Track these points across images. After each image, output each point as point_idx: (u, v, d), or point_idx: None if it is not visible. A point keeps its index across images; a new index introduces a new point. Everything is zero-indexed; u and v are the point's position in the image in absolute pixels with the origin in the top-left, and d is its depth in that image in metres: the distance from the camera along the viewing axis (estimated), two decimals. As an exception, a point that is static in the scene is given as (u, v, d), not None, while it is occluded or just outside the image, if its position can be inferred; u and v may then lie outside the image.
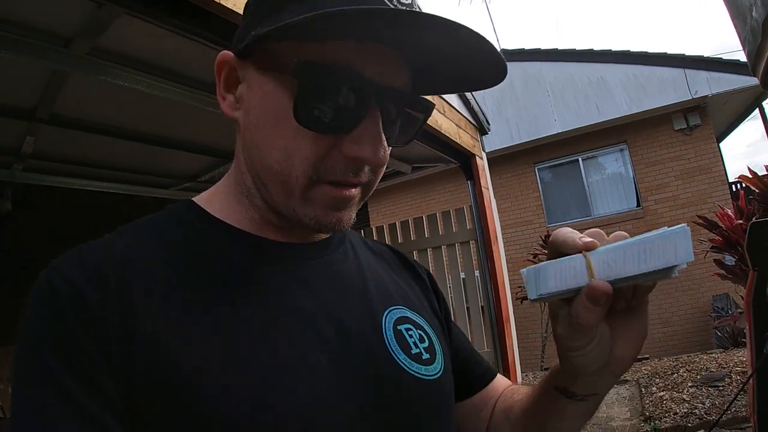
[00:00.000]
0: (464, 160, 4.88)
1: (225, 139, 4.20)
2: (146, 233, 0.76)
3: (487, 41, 0.65)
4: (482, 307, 4.93)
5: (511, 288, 5.18)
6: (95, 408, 0.59)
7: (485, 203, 4.86)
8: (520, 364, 5.11)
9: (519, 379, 5.05)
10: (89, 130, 3.48)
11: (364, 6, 0.60)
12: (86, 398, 0.59)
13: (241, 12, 1.98)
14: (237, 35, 0.78)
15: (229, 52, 0.76)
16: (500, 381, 1.08)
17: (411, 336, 0.85)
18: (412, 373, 0.79)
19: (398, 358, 0.79)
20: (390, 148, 0.76)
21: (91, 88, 2.98)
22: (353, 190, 0.75)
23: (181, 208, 0.82)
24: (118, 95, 3.02)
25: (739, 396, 5.56)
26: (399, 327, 0.84)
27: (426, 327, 0.90)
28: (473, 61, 0.70)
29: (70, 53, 2.42)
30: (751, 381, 2.43)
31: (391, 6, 0.66)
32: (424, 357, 0.83)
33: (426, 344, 0.86)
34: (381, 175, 0.80)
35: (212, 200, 0.84)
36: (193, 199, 0.85)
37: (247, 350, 0.66)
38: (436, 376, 0.83)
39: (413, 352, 0.82)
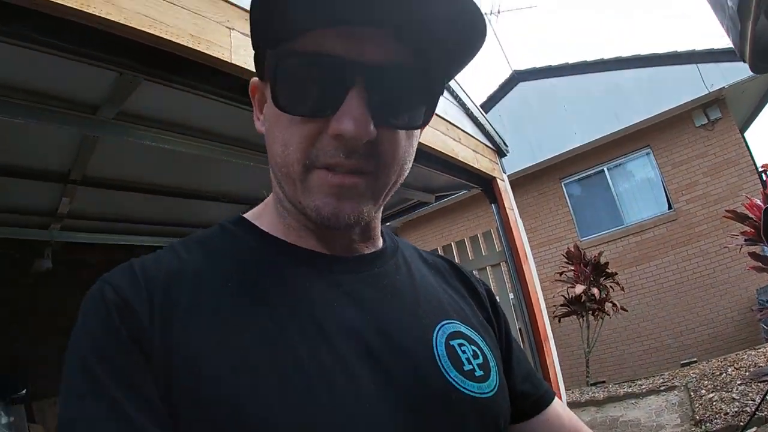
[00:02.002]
0: (485, 184, 4.92)
1: (249, 187, 4.33)
2: (197, 248, 0.79)
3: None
4: (519, 329, 4.89)
5: (549, 307, 5.15)
6: (142, 419, 0.60)
7: (511, 224, 4.87)
8: (564, 381, 5.06)
9: (564, 397, 5.00)
10: (120, 188, 3.66)
11: None
12: (133, 410, 0.60)
13: (250, 68, 2.10)
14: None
15: (255, 78, 0.84)
16: (559, 405, 1.03)
17: (464, 352, 0.82)
18: (462, 390, 0.77)
19: (449, 375, 0.77)
20: (405, 133, 0.77)
21: (120, 150, 3.15)
22: (354, 177, 0.73)
23: (232, 224, 0.86)
24: (145, 154, 3.18)
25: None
26: (452, 342, 0.82)
27: (480, 343, 0.87)
28: (450, 22, 0.70)
29: (97, 119, 2.57)
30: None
31: None
32: (477, 374, 0.81)
33: (480, 360, 0.83)
34: (394, 163, 0.77)
35: (261, 214, 0.87)
36: (244, 215, 0.88)
37: (293, 367, 0.66)
38: (489, 394, 0.80)
39: (466, 368, 0.80)
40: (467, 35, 0.73)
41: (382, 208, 0.88)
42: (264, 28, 0.73)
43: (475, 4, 0.67)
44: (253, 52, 0.80)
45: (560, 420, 1.00)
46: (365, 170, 0.73)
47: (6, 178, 3.23)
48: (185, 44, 1.91)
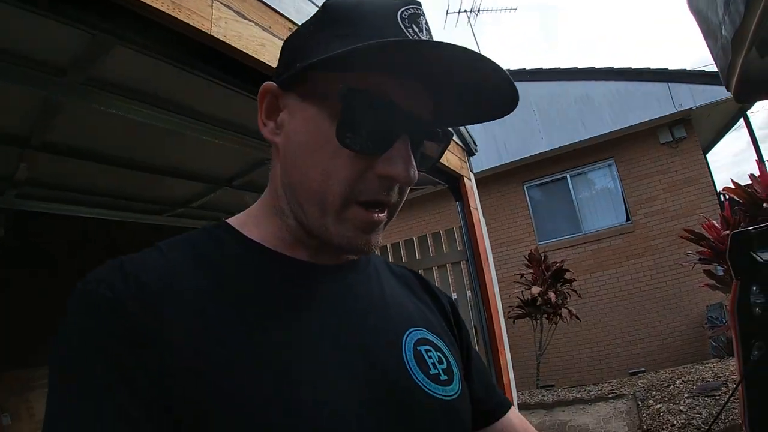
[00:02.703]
0: (452, 182, 4.91)
1: (216, 166, 4.26)
2: (182, 251, 0.79)
3: (502, 70, 0.71)
4: (475, 327, 4.93)
5: (503, 307, 5.19)
6: (144, 422, 0.61)
7: (475, 223, 4.88)
8: (516, 382, 5.11)
9: (515, 399, 5.04)
10: (82, 157, 3.52)
11: (402, 39, 0.72)
12: (137, 411, 0.61)
13: (230, 43, 2.04)
14: (279, 68, 0.85)
15: (272, 83, 0.82)
16: (514, 414, 1.09)
17: (430, 357, 0.87)
18: (429, 392, 0.82)
19: (417, 378, 0.82)
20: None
21: (85, 116, 3.03)
22: (382, 214, 0.80)
23: (216, 229, 0.86)
24: (111, 123, 3.07)
25: (735, 405, 5.59)
26: (419, 348, 0.87)
27: (444, 350, 0.92)
28: (488, 90, 0.77)
29: (64, 82, 2.46)
30: (740, 388, 2.46)
31: (421, 38, 0.75)
32: (442, 378, 0.86)
33: (444, 366, 0.88)
34: (405, 197, 0.85)
35: (247, 222, 0.88)
36: (228, 220, 0.88)
37: (276, 367, 0.69)
38: (453, 397, 0.85)
39: (431, 372, 0.85)
40: (495, 109, 0.83)
41: None
42: (327, 47, 0.74)
43: (514, 89, 0.75)
44: (297, 65, 0.78)
45: (514, 429, 1.06)
46: (392, 202, 0.81)
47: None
48: (165, 10, 1.81)
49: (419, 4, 0.78)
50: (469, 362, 1.06)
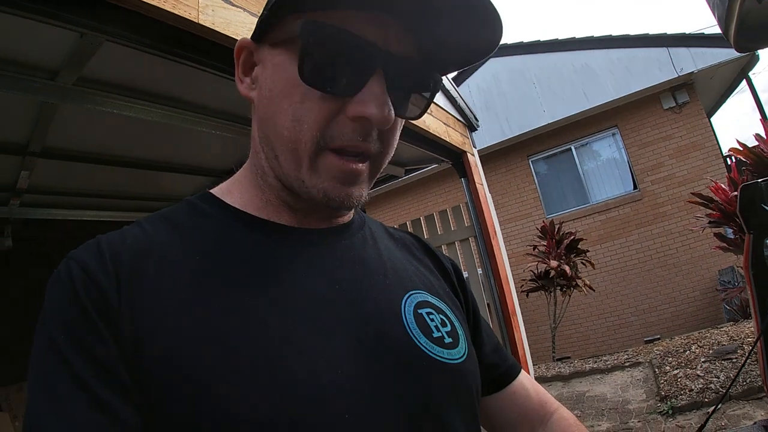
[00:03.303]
0: (456, 158, 4.88)
1: (218, 158, 4.24)
2: (163, 224, 0.78)
3: None
4: (488, 304, 4.93)
5: (515, 281, 5.18)
6: (107, 394, 0.60)
7: (481, 199, 4.86)
8: (531, 356, 5.11)
9: (531, 372, 5.05)
10: (83, 160, 3.50)
11: None
12: (98, 383, 0.60)
13: (219, 30, 2.02)
14: (257, 24, 0.82)
15: (247, 38, 0.82)
16: (525, 377, 1.08)
17: (432, 320, 0.84)
18: (433, 356, 0.79)
19: (419, 341, 0.79)
20: (402, 121, 0.81)
21: (81, 118, 3.00)
22: (360, 165, 0.76)
23: (198, 200, 0.84)
24: (108, 123, 3.05)
25: (752, 367, 5.58)
26: (419, 311, 0.84)
27: (448, 312, 0.89)
28: (472, 20, 0.73)
29: (56, 85, 2.43)
30: (759, 345, 2.44)
31: None
32: (446, 341, 0.83)
33: (448, 329, 0.85)
34: (392, 148, 0.82)
35: (230, 190, 0.87)
36: (211, 190, 0.87)
37: (264, 338, 0.67)
38: (459, 360, 0.82)
39: (435, 335, 0.82)
40: (479, 45, 0.79)
41: None
42: None
43: (499, 21, 0.72)
44: (265, 12, 0.76)
45: (527, 392, 1.05)
46: (370, 155, 0.77)
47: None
48: (150, 2, 1.79)
49: None
50: (477, 326, 1.04)
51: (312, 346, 0.69)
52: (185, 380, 0.61)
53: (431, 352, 0.79)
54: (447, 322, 0.87)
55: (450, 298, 0.96)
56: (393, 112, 0.73)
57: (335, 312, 0.74)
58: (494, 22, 0.73)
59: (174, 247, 0.73)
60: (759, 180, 2.62)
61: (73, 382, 0.60)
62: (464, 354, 0.84)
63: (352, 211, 0.95)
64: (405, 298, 0.84)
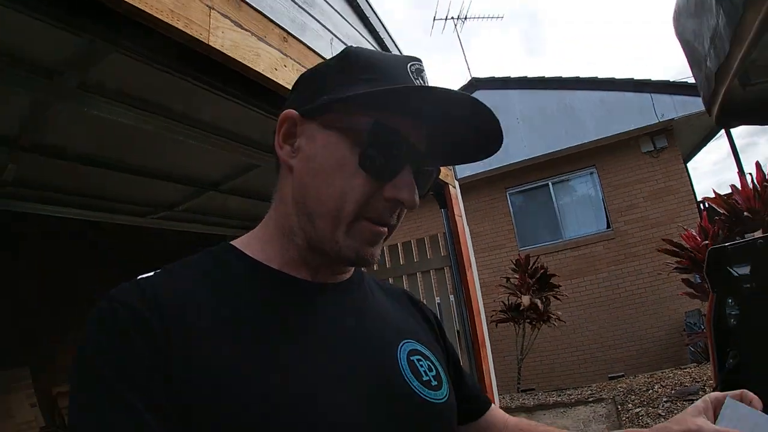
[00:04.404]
0: (437, 189, 4.98)
1: (203, 170, 4.27)
2: (191, 272, 0.86)
3: (492, 113, 0.85)
4: (458, 331, 4.99)
5: (485, 312, 5.25)
6: (155, 424, 0.66)
7: (459, 230, 4.96)
8: (497, 386, 5.16)
9: (497, 401, 5.09)
10: (70, 159, 3.53)
11: (421, 84, 0.87)
12: (153, 420, 0.66)
13: (227, 53, 2.07)
14: (297, 98, 0.94)
15: (294, 111, 0.91)
16: (496, 409, 1.22)
17: (421, 366, 0.96)
18: (424, 397, 0.90)
19: (412, 384, 0.90)
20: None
21: (76, 119, 3.04)
22: (384, 228, 0.90)
23: (221, 251, 0.93)
24: (101, 126, 3.08)
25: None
26: (411, 358, 0.95)
27: (433, 358, 1.01)
28: (477, 132, 0.90)
29: (57, 84, 2.48)
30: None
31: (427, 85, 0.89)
32: (433, 383, 0.94)
33: (434, 373, 0.97)
34: (402, 220, 0.94)
35: (250, 242, 0.95)
36: (232, 243, 0.95)
37: (281, 380, 0.75)
38: (442, 401, 0.93)
39: (424, 379, 0.93)
40: (478, 153, 0.97)
41: None
42: (352, 88, 0.84)
43: (500, 141, 0.90)
44: (327, 97, 0.87)
45: (502, 415, 1.21)
46: (393, 224, 0.91)
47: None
48: (164, 19, 1.85)
49: (422, 61, 0.92)
50: (457, 367, 1.18)
51: (327, 391, 0.78)
52: (210, 417, 0.68)
53: (422, 393, 0.90)
54: (433, 367, 0.98)
55: (433, 345, 1.08)
56: (418, 198, 0.89)
57: (345, 360, 0.85)
58: (496, 141, 0.91)
59: (205, 297, 0.81)
60: (726, 244, 2.74)
61: (129, 419, 0.65)
62: (446, 395, 0.96)
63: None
64: (400, 345, 0.96)
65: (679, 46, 2.46)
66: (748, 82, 2.17)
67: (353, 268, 1.05)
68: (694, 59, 2.31)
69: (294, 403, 0.73)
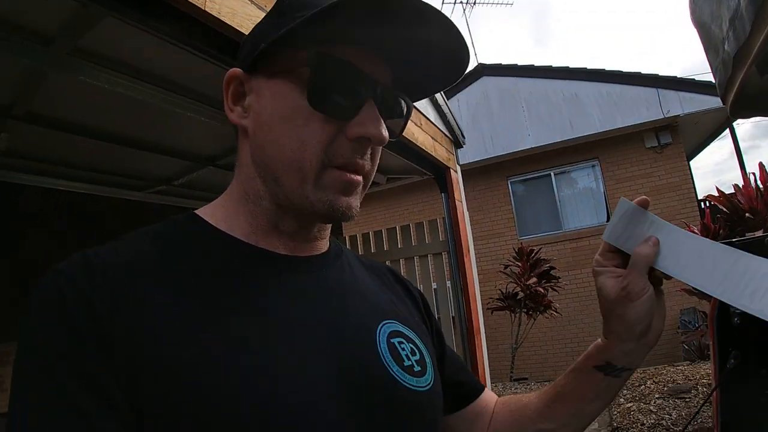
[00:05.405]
0: (439, 173, 4.92)
1: (201, 144, 4.20)
2: (149, 243, 0.79)
3: (454, 27, 0.77)
4: (453, 317, 4.96)
5: (482, 299, 5.22)
6: (107, 424, 0.61)
7: (458, 216, 4.90)
8: (490, 374, 5.14)
9: (489, 389, 5.07)
10: (65, 129, 3.45)
11: None
12: (100, 416, 0.61)
13: (224, 20, 2.00)
14: (242, 55, 0.88)
15: (237, 69, 0.85)
16: (489, 393, 1.15)
17: (403, 349, 0.88)
18: (405, 384, 0.83)
19: (392, 370, 0.83)
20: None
21: (70, 88, 2.96)
22: (358, 176, 0.82)
23: (185, 220, 0.86)
24: (96, 96, 3.00)
25: (704, 408, 5.67)
26: (392, 340, 0.88)
27: (417, 341, 0.93)
28: (443, 50, 0.82)
29: (51, 51, 2.40)
30: (714, 394, 2.48)
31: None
32: (415, 369, 0.87)
33: (417, 357, 0.90)
34: (376, 165, 0.88)
35: (215, 213, 0.88)
36: (196, 211, 0.88)
37: (247, 362, 0.69)
38: (426, 388, 0.87)
39: (405, 364, 0.86)
40: (448, 72, 0.89)
41: None
42: (288, 25, 0.76)
43: (465, 49, 0.82)
44: (262, 45, 0.80)
45: (491, 403, 1.14)
46: (365, 168, 0.84)
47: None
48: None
49: None
50: (442, 349, 1.10)
51: (296, 373, 0.72)
52: (170, 404, 0.63)
53: (402, 380, 0.83)
54: (416, 350, 0.91)
55: (418, 326, 1.00)
56: (387, 132, 0.81)
57: (317, 339, 0.78)
58: (463, 61, 0.84)
59: (162, 270, 0.74)
60: (734, 239, 2.69)
61: (74, 412, 0.60)
62: (431, 381, 0.89)
63: (329, 239, 0.99)
64: (379, 327, 0.89)
65: (694, 30, 2.37)
66: (767, 70, 2.06)
67: (330, 243, 0.99)
68: (710, 43, 2.22)
69: (252, 391, 0.67)
